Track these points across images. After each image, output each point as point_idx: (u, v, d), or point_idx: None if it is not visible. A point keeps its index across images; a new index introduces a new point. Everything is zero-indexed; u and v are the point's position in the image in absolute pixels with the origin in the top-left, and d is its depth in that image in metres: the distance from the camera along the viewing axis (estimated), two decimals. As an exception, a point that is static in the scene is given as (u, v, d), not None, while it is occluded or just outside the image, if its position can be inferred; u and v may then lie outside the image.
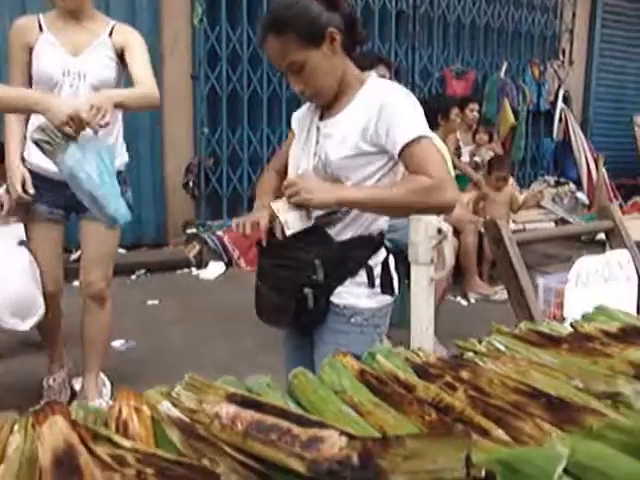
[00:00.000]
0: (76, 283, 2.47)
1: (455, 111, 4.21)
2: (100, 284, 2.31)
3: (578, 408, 0.56)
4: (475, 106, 5.16)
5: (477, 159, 5.36)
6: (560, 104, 6.70)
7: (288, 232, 1.25)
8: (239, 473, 0.45)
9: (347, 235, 1.36)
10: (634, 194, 7.03)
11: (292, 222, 1.24)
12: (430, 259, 0.81)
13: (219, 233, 4.77)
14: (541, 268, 4.63)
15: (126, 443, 0.48)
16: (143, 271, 4.66)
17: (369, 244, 1.38)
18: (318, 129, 1.44)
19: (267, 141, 5.23)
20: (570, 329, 0.89)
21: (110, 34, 2.20)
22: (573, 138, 6.63)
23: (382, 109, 1.32)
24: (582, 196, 6.76)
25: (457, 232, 3.86)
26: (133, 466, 0.44)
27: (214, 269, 4.68)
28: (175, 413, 0.54)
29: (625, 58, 7.40)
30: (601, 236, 2.95)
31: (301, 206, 1.28)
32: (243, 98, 5.11)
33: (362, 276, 1.37)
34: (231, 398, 0.57)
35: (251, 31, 5.05)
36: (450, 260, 0.82)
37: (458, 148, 5.35)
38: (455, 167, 4.63)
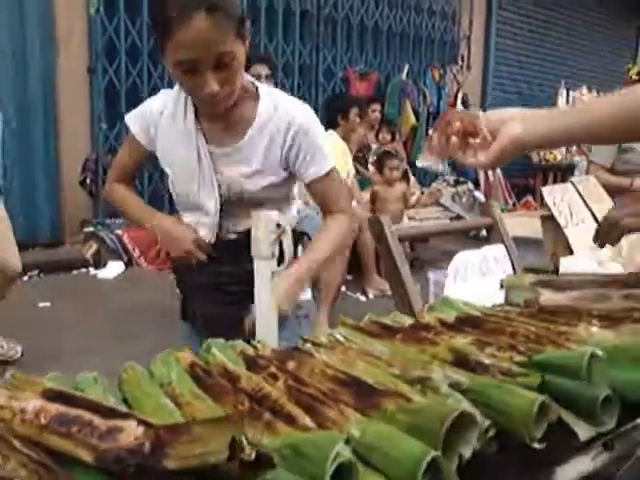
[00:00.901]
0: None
1: (355, 111, 4.30)
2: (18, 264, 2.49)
3: (384, 393, 0.60)
4: (377, 106, 5.29)
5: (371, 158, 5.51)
6: (459, 107, 6.98)
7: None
8: (28, 468, 0.45)
9: None
10: (526, 193, 7.46)
11: None
12: (271, 253, 0.84)
13: (118, 232, 4.63)
14: (438, 264, 4.81)
15: None
16: (36, 272, 4.45)
17: (295, 238, 1.40)
18: (211, 155, 1.31)
19: (169, 138, 5.11)
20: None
21: None
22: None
23: (296, 135, 1.28)
24: (479, 195, 7.09)
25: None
26: None
27: (113, 269, 4.54)
28: (-23, 412, 0.53)
29: (517, 66, 7.84)
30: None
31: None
32: (144, 93, 4.98)
33: None
34: (46, 394, 0.57)
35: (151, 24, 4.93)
36: (289, 254, 0.85)
37: (362, 149, 5.45)
38: (357, 170, 4.73)
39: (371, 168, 5.22)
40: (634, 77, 6.05)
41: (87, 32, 4.80)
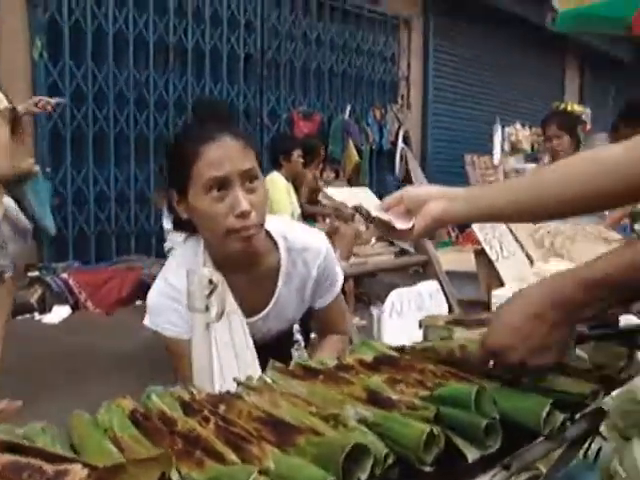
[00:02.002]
0: None
1: (297, 152, 4.46)
2: None
3: (299, 430, 0.70)
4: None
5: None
6: (400, 144, 7.26)
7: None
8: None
9: None
10: (467, 226, 7.74)
11: None
12: (205, 306, 0.93)
13: (64, 275, 4.60)
14: (384, 299, 4.97)
15: None
16: (-22, 318, 4.36)
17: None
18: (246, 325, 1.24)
19: (114, 180, 5.17)
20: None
21: None
22: (413, 175, 7.21)
23: (321, 265, 1.34)
24: (423, 228, 7.34)
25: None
26: None
27: (59, 313, 4.49)
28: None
29: (455, 104, 8.23)
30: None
31: None
32: (88, 136, 5.03)
33: None
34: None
35: (96, 68, 5.01)
36: (222, 307, 0.95)
37: (315, 191, 5.60)
38: (303, 209, 4.86)
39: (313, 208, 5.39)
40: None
41: (31, 76, 4.83)
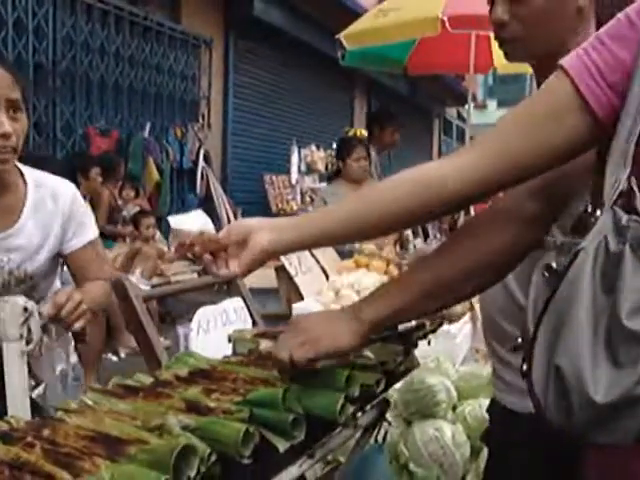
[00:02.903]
0: None
1: (96, 170, 4.33)
2: None
3: (128, 442, 0.76)
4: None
5: (125, 214, 5.54)
6: (201, 163, 7.32)
7: None
8: None
9: None
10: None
11: None
12: (19, 335, 0.93)
13: None
14: (189, 316, 4.98)
15: None
16: None
17: None
18: None
19: None
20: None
21: None
22: (214, 194, 7.31)
23: (71, 214, 1.43)
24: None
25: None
26: None
27: None
28: None
29: (254, 125, 8.53)
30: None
31: None
32: None
33: None
34: None
35: None
36: (37, 334, 0.96)
37: (112, 211, 5.42)
38: (101, 230, 4.70)
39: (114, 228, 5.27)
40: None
41: None
